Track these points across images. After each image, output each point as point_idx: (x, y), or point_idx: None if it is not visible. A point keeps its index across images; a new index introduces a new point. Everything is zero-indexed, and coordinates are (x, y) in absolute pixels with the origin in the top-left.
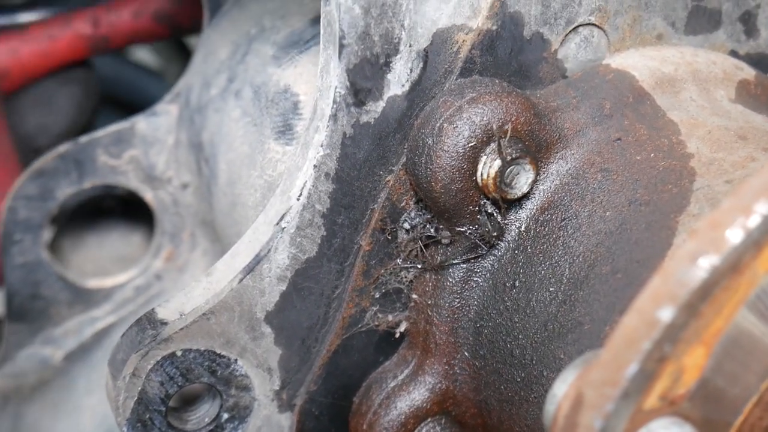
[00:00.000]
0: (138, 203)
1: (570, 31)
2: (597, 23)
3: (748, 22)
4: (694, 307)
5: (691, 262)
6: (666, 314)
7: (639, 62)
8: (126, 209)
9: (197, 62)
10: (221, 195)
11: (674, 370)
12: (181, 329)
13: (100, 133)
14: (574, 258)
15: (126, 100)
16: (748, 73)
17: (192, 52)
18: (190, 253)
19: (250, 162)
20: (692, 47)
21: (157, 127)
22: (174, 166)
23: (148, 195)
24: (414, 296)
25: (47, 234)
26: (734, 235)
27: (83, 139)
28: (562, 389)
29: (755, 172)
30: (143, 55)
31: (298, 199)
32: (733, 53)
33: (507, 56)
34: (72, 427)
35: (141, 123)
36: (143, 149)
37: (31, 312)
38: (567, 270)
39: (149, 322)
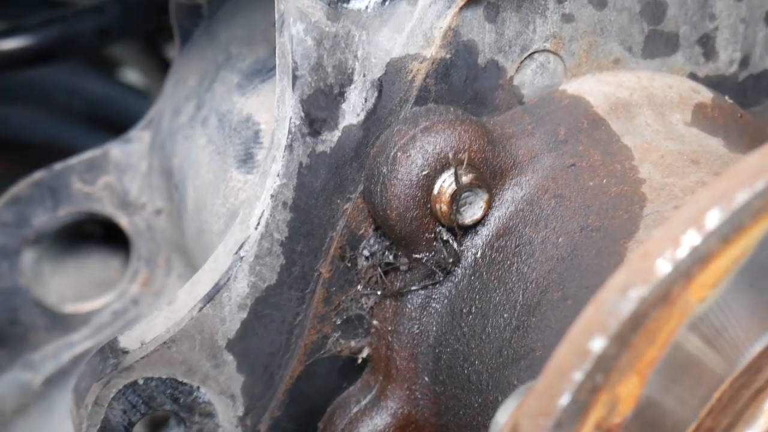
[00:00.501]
0: (118, 228)
1: (525, 58)
2: (552, 50)
3: (707, 44)
4: (626, 338)
5: (621, 293)
6: (597, 345)
7: (595, 87)
8: (106, 234)
9: (168, 89)
10: (190, 221)
11: (608, 400)
12: (143, 358)
13: (74, 160)
14: (528, 284)
15: (115, 121)
16: (705, 96)
17: None
18: (166, 278)
19: (214, 190)
20: (649, 71)
21: (130, 153)
22: (147, 192)
23: (123, 221)
24: (375, 322)
25: (27, 258)
26: (663, 267)
27: (57, 166)
28: (503, 417)
29: (686, 203)
30: (132, 77)
31: (256, 228)
32: (693, 76)
33: (462, 84)
34: None
35: (114, 149)
36: (117, 175)
37: (9, 338)
38: (520, 296)
39: (111, 350)
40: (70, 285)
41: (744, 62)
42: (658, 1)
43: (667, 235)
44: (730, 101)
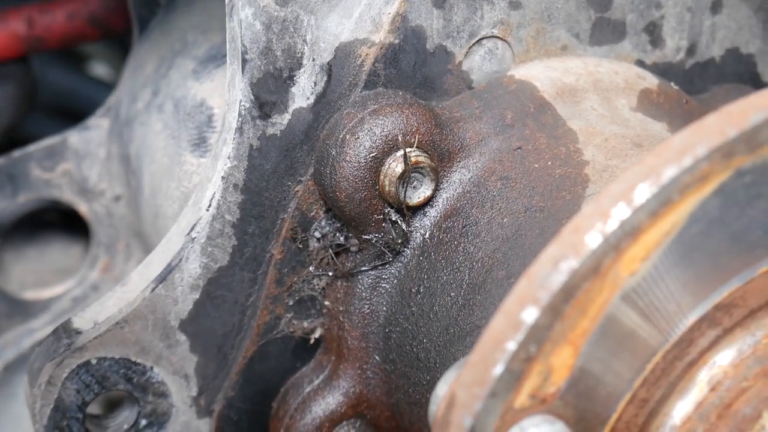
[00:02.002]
0: (78, 216)
1: (474, 44)
2: (500, 36)
3: (653, 32)
4: (558, 309)
5: (553, 265)
6: (529, 316)
7: (542, 73)
8: (67, 222)
9: (126, 77)
10: (146, 206)
11: (542, 370)
12: (95, 338)
13: (32, 147)
14: (474, 263)
15: (83, 115)
16: (651, 82)
17: None
18: (126, 264)
19: (169, 174)
20: (596, 58)
21: (89, 140)
22: (107, 179)
23: (82, 207)
24: (327, 303)
25: None
26: (592, 240)
27: (16, 153)
28: (443, 389)
29: (616, 178)
30: (101, 70)
31: (207, 210)
32: (640, 63)
33: (411, 69)
34: None
35: (73, 137)
36: (76, 162)
37: None
38: (467, 275)
39: (65, 331)
40: (31, 272)
41: (691, 50)
42: None
43: (597, 210)
44: (676, 87)
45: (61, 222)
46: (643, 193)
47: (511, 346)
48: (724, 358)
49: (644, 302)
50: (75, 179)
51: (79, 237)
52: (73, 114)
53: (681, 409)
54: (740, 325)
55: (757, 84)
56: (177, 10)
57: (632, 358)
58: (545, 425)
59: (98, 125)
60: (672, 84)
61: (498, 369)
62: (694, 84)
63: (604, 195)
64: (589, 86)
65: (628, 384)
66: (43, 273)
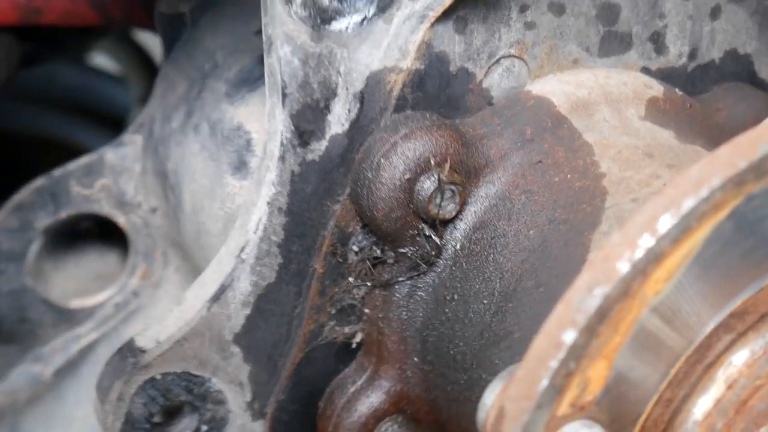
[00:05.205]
0: (112, 223)
1: (493, 64)
2: (517, 54)
3: (658, 41)
4: (593, 329)
5: (588, 291)
6: (569, 337)
7: (556, 87)
8: (101, 229)
9: (157, 95)
10: (187, 222)
11: (580, 382)
12: (159, 356)
13: (72, 165)
14: (503, 273)
15: (91, 107)
16: (657, 90)
17: (149, 55)
18: (164, 270)
19: (211, 194)
20: (606, 69)
21: (124, 156)
22: (143, 192)
23: (120, 219)
24: (366, 310)
25: (30, 259)
26: (622, 267)
27: (56, 172)
28: (490, 399)
29: (639, 209)
30: (100, 60)
31: (255, 233)
32: (645, 70)
33: (436, 91)
34: None
35: (109, 153)
36: (113, 178)
37: (19, 334)
38: (498, 284)
39: (129, 350)
40: (71, 280)
41: (692, 54)
42: (612, 4)
43: (625, 239)
44: (680, 93)
45: (96, 231)
46: (666, 223)
47: (554, 364)
48: (739, 358)
49: (668, 315)
50: (113, 193)
51: (113, 245)
52: (79, 107)
53: (702, 405)
54: (752, 329)
55: (753, 81)
56: (203, 30)
57: (658, 364)
58: (584, 429)
59: (132, 141)
60: (676, 90)
61: (543, 384)
62: (695, 85)
63: (631, 225)
64: (601, 98)
65: (655, 386)
66: (82, 281)
